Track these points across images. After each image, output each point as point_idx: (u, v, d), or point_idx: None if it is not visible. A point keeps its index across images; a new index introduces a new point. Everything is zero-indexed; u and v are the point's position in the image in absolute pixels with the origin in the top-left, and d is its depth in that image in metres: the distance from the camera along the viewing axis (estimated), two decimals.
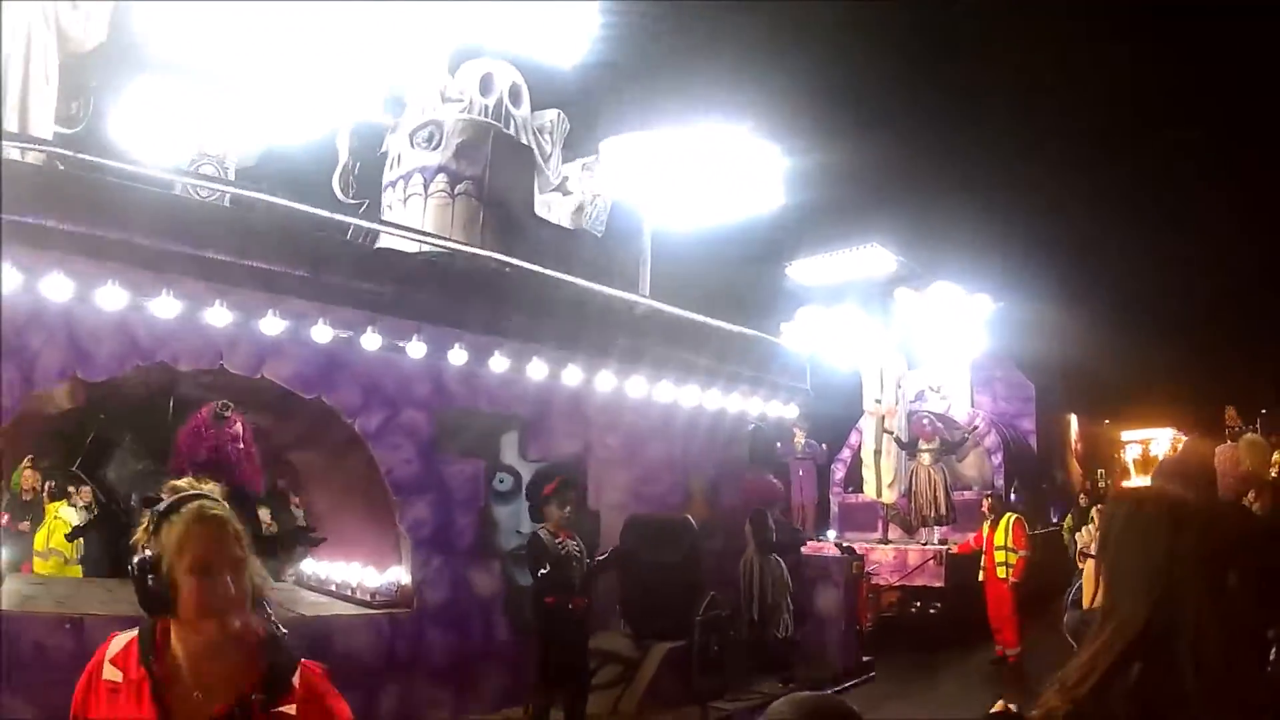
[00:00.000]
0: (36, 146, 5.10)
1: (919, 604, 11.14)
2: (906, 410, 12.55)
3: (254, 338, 5.44)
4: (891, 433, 12.07)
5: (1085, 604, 1.82)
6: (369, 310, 5.46)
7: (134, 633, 1.74)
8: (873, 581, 9.77)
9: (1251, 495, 4.16)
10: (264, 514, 9.13)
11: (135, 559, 1.69)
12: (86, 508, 7.47)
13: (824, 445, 12.88)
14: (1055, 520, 13.10)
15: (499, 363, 5.86)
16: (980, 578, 9.96)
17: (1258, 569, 2.78)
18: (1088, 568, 1.84)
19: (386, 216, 6.25)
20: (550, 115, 7.33)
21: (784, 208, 9.69)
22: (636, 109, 7.41)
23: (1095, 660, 1.46)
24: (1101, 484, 16.31)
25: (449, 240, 5.59)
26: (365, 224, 5.44)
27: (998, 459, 12.58)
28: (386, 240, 5.77)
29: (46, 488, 7.79)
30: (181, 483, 1.78)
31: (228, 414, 5.04)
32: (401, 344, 5.54)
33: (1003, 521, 9.94)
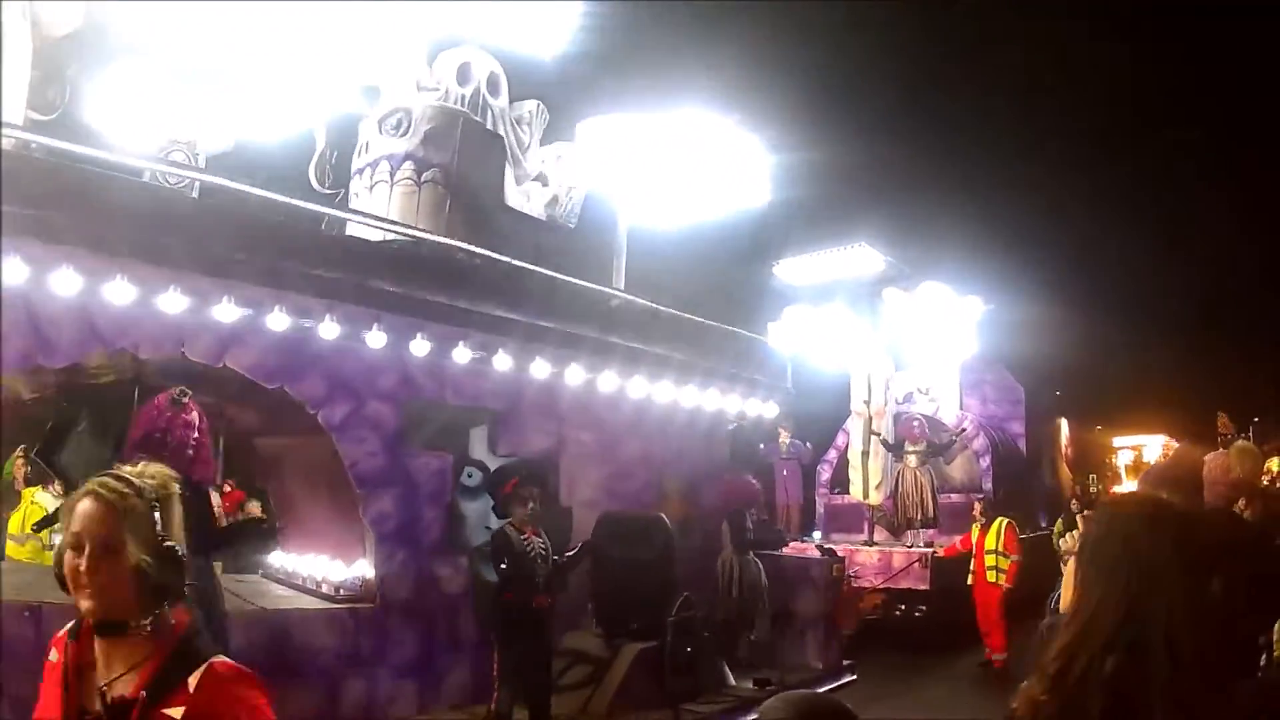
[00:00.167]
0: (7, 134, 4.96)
1: (904, 607, 11.04)
2: (894, 412, 12.43)
3: (215, 327, 5.33)
4: (879, 434, 11.95)
5: (1064, 607, 1.81)
6: (332, 299, 5.33)
7: None
8: (854, 584, 9.64)
9: (1242, 503, 4.02)
10: (254, 506, 9.00)
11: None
12: (63, 495, 7.39)
13: (808, 445, 12.76)
14: (1045, 525, 12.98)
15: (467, 355, 5.73)
16: (969, 581, 9.86)
17: (1247, 576, 2.66)
18: (1067, 571, 1.81)
19: (354, 205, 6.11)
20: (529, 106, 7.20)
21: (771, 206, 9.57)
22: (619, 101, 7.26)
23: (1073, 651, 1.48)
24: (1093, 489, 16.20)
25: (414, 229, 5.45)
26: (326, 210, 5.30)
27: (986, 462, 12.46)
28: (353, 229, 5.63)
29: (24, 473, 7.75)
30: (128, 468, 1.74)
31: (184, 400, 4.89)
32: (365, 334, 5.41)
33: (994, 526, 9.84)
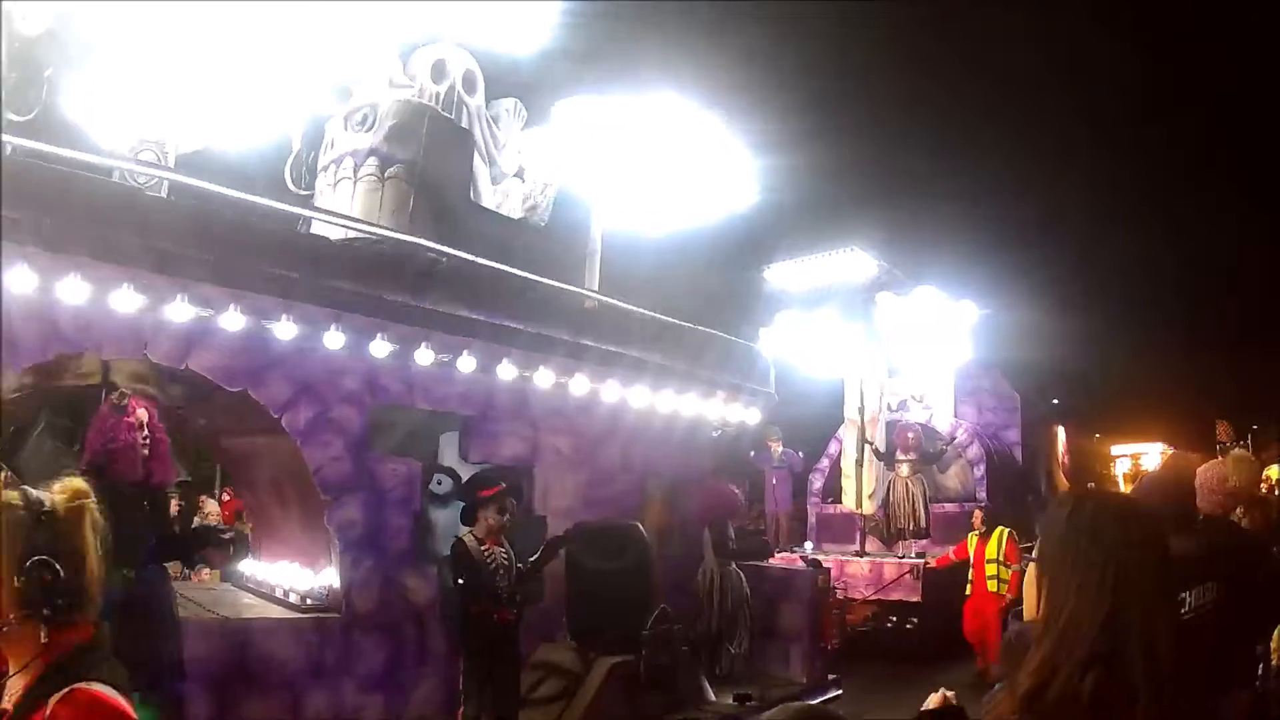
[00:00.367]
0: None
1: (895, 619, 10.83)
2: (887, 419, 12.24)
3: (178, 328, 5.20)
4: (871, 443, 11.76)
5: (1027, 614, 1.71)
6: (293, 300, 5.17)
7: None
8: (839, 596, 9.45)
9: (1240, 511, 4.02)
10: (211, 509, 8.85)
11: None
12: None
13: (800, 454, 12.56)
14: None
15: (435, 357, 5.56)
16: (968, 591, 9.68)
17: (1244, 584, 2.82)
18: (1029, 576, 1.70)
19: (319, 202, 5.95)
20: (507, 104, 7.05)
21: (760, 209, 9.42)
22: (600, 97, 7.06)
23: (1051, 665, 1.41)
24: None
25: (376, 225, 5.29)
26: (289, 209, 5.14)
27: (980, 471, 12.26)
28: (317, 227, 5.48)
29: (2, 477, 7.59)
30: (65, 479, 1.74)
31: (124, 403, 4.73)
32: (328, 336, 5.24)
33: (995, 535, 9.67)
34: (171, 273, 4.98)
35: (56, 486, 1.74)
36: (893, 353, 12.41)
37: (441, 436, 6.17)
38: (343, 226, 5.19)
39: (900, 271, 12.18)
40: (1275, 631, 3.36)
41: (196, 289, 4.95)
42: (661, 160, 6.99)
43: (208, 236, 4.96)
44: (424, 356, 5.22)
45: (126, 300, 4.91)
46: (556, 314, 5.94)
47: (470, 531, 5.08)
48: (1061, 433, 15.28)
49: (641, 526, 6.61)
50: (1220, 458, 5.20)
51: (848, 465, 12.34)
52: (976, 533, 9.83)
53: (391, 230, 5.26)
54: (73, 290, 4.78)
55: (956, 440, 12.49)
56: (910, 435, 11.41)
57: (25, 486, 1.74)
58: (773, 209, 12.18)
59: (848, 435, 12.45)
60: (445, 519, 6.00)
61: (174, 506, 9.85)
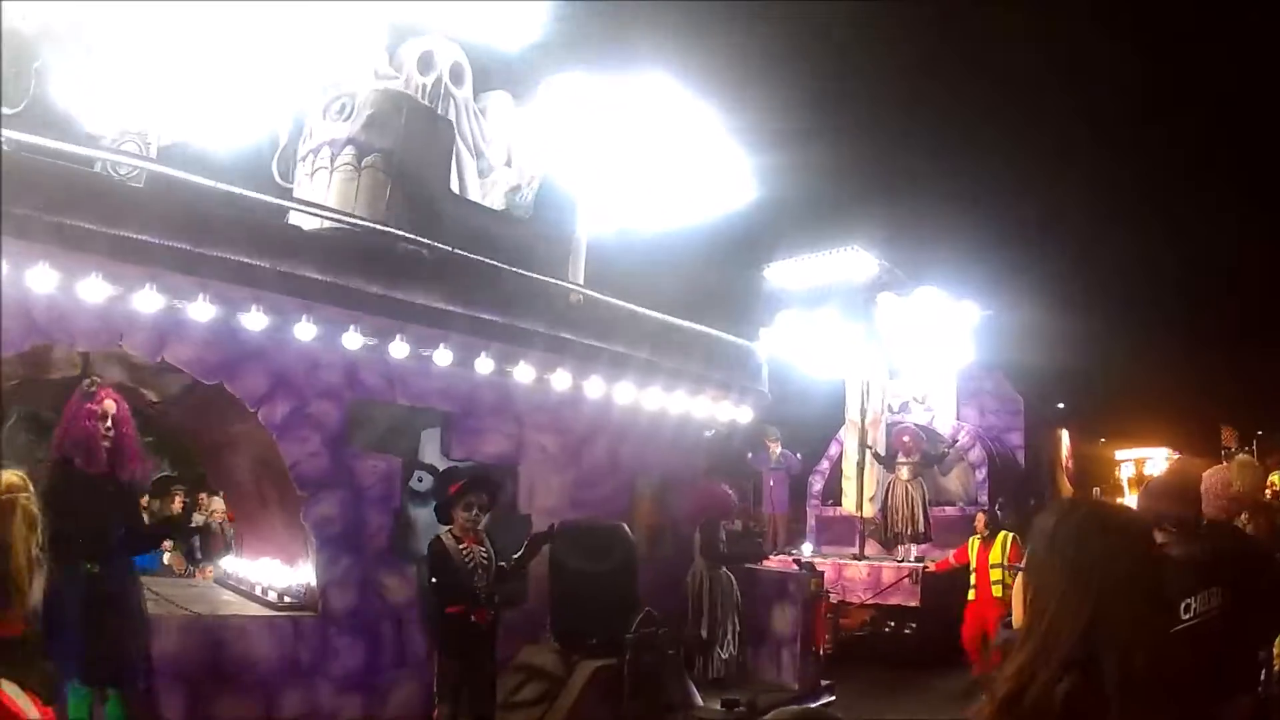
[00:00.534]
0: None
1: (893, 623, 10.66)
2: (888, 421, 12.07)
3: (154, 319, 5.10)
4: (870, 446, 11.59)
5: (1016, 622, 1.77)
6: (269, 291, 5.06)
7: None
8: (833, 600, 9.29)
9: (1245, 517, 3.96)
10: (176, 503, 8.73)
11: None
12: None
13: (799, 456, 12.37)
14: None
15: (415, 351, 5.44)
16: (970, 596, 9.50)
17: (1248, 590, 2.80)
18: (1017, 584, 1.62)
19: (297, 193, 5.84)
20: (496, 97, 6.92)
21: (761, 207, 9.27)
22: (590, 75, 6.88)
23: (1030, 670, 1.42)
24: None
25: (350, 215, 5.17)
26: (266, 199, 5.02)
27: (982, 474, 12.07)
28: (294, 218, 5.36)
29: None
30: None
31: (93, 390, 4.62)
32: (306, 329, 5.13)
33: (998, 539, 9.49)
34: (141, 262, 4.89)
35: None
36: (894, 354, 12.23)
37: (423, 432, 6.05)
38: (316, 216, 5.07)
39: (901, 271, 12.01)
40: (1278, 637, 3.32)
41: (166, 278, 4.85)
42: (652, 151, 6.83)
43: (179, 226, 4.86)
44: (399, 349, 5.10)
45: (96, 290, 4.83)
46: (538, 307, 5.82)
47: (449, 530, 4.95)
48: (1065, 436, 15.06)
49: (627, 527, 6.48)
50: (1225, 463, 5.10)
51: (848, 467, 12.17)
52: (979, 537, 9.64)
53: (366, 220, 5.14)
54: (44, 280, 4.70)
55: (958, 443, 12.30)
56: (907, 438, 11.21)
57: None
58: (773, 207, 12.03)
59: (848, 437, 12.28)
60: (426, 517, 5.86)
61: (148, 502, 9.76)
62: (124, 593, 4.55)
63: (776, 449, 12.08)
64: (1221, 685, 2.71)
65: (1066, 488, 14.53)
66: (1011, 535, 9.51)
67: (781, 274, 12.20)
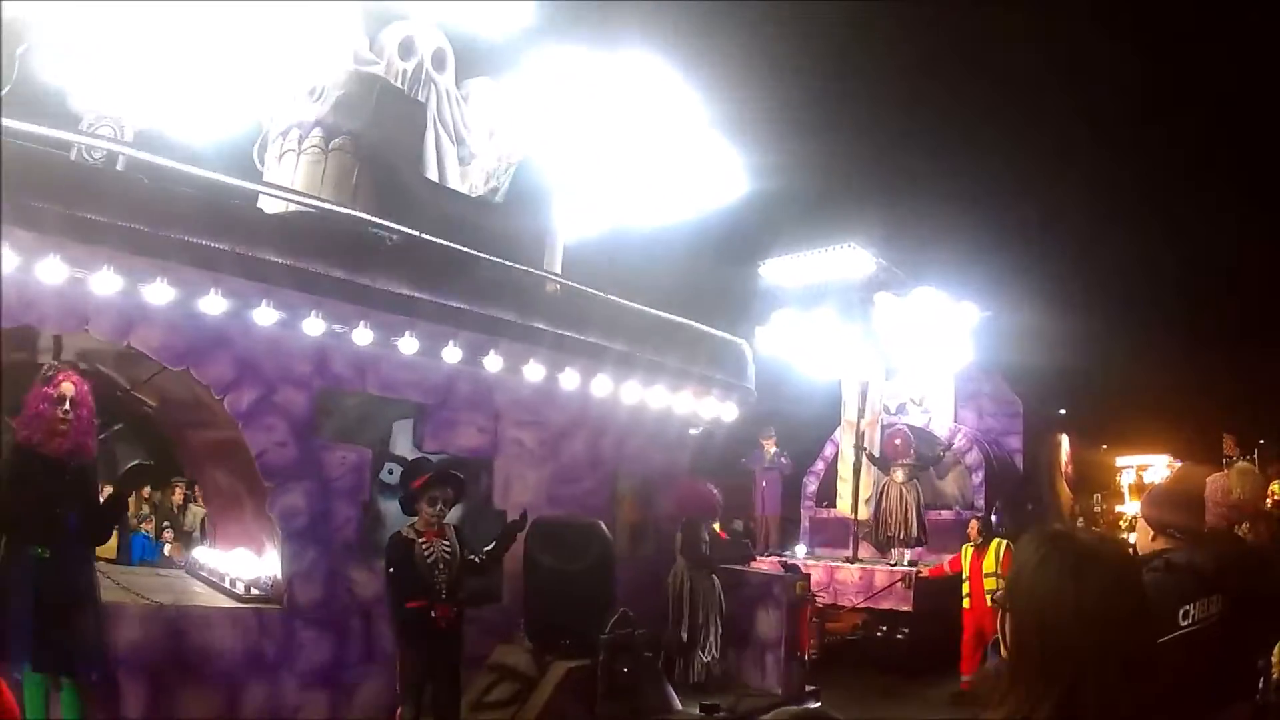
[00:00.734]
0: None
1: (885, 628, 10.45)
2: (884, 423, 11.88)
3: (121, 303, 4.99)
4: (865, 448, 11.40)
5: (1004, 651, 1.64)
6: (232, 276, 4.92)
7: None
8: (818, 603, 9.10)
9: (1245, 527, 3.92)
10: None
11: None
12: None
13: (786, 457, 12.13)
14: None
15: (387, 340, 5.28)
16: (965, 605, 9.31)
17: (1247, 598, 2.79)
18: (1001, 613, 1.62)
19: (266, 176, 5.69)
20: (478, 83, 6.77)
21: (755, 203, 9.09)
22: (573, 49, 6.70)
23: (1010, 706, 1.39)
24: (1097, 508, 15.56)
25: (314, 198, 5.01)
26: (233, 182, 4.87)
27: (978, 478, 11.86)
28: (263, 203, 5.22)
29: None
30: None
31: (51, 374, 4.50)
32: (271, 315, 4.98)
33: (992, 547, 9.30)
34: (115, 247, 4.77)
35: None
36: (891, 354, 12.04)
37: (395, 424, 5.89)
38: (278, 198, 4.92)
39: (899, 270, 11.81)
40: (1277, 646, 3.30)
41: (149, 267, 4.72)
42: (638, 141, 6.65)
43: (138, 208, 4.72)
44: (363, 335, 4.94)
45: (56, 272, 4.71)
46: (511, 296, 5.65)
47: (412, 524, 4.80)
48: (1065, 441, 14.84)
49: (608, 525, 6.31)
50: (1225, 471, 5.01)
51: (844, 469, 11.99)
52: (972, 544, 9.44)
53: (330, 203, 4.98)
54: (7, 263, 4.58)
55: (955, 446, 12.10)
56: (899, 440, 11.00)
57: None
58: (769, 203, 11.85)
59: (844, 438, 12.10)
60: (396, 510, 5.69)
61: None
62: (76, 578, 4.42)
63: (771, 447, 11.87)
64: (1219, 692, 2.71)
65: (1066, 493, 14.32)
66: (1006, 543, 9.31)
67: (777, 271, 12.01)
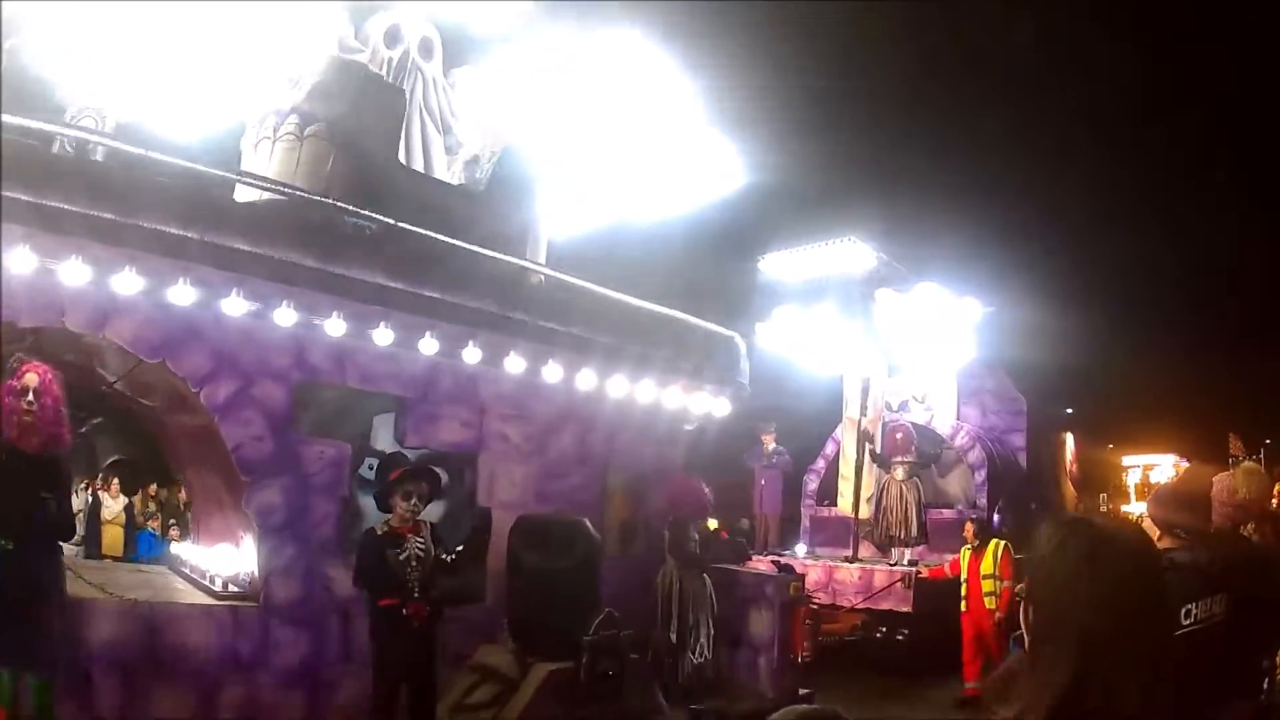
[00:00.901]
0: None
1: (885, 629, 10.27)
2: (886, 419, 11.69)
3: (96, 295, 4.89)
4: (870, 444, 11.21)
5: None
6: (205, 266, 4.80)
7: None
8: (819, 604, 8.93)
9: (1251, 527, 3.90)
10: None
11: None
12: None
13: (784, 455, 11.92)
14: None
15: (362, 332, 5.15)
16: (963, 608, 9.13)
17: (1252, 598, 2.76)
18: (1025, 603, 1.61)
19: (244, 165, 5.56)
20: (465, 72, 6.63)
21: (754, 200, 8.93)
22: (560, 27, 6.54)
23: (1030, 709, 1.39)
24: (1103, 508, 15.33)
25: (286, 185, 4.88)
26: (188, 165, 4.74)
27: (981, 476, 11.64)
28: (241, 192, 5.09)
29: None
30: None
31: (16, 367, 4.40)
32: (232, 303, 4.86)
33: (990, 548, 9.08)
34: (91, 238, 4.68)
35: None
36: (893, 351, 11.85)
37: (375, 418, 5.76)
38: (250, 186, 4.79)
39: (900, 265, 11.61)
40: None
41: (125, 258, 4.62)
42: (628, 131, 6.49)
43: (107, 197, 4.61)
44: (336, 326, 4.81)
45: (26, 262, 4.61)
46: (491, 286, 5.51)
47: (387, 520, 4.68)
48: (1070, 440, 14.60)
49: (597, 522, 6.18)
50: (1231, 471, 4.94)
51: (846, 467, 11.81)
52: (969, 547, 9.24)
53: (300, 190, 4.85)
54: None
55: (957, 444, 11.89)
56: (899, 435, 10.79)
57: None
58: (768, 198, 11.70)
59: (846, 436, 11.91)
60: (375, 506, 5.59)
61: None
62: (39, 573, 4.31)
63: (771, 443, 11.67)
64: (1221, 691, 2.71)
65: (1070, 492, 14.09)
66: (1004, 544, 9.12)
67: (777, 265, 11.83)
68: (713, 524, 9.91)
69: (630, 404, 6.53)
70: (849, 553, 11.14)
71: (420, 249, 5.07)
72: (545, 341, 5.77)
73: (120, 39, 5.66)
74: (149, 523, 11.41)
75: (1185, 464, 17.19)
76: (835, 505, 12.10)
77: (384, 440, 5.83)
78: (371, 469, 5.66)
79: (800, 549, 11.68)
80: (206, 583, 5.93)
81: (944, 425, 12.23)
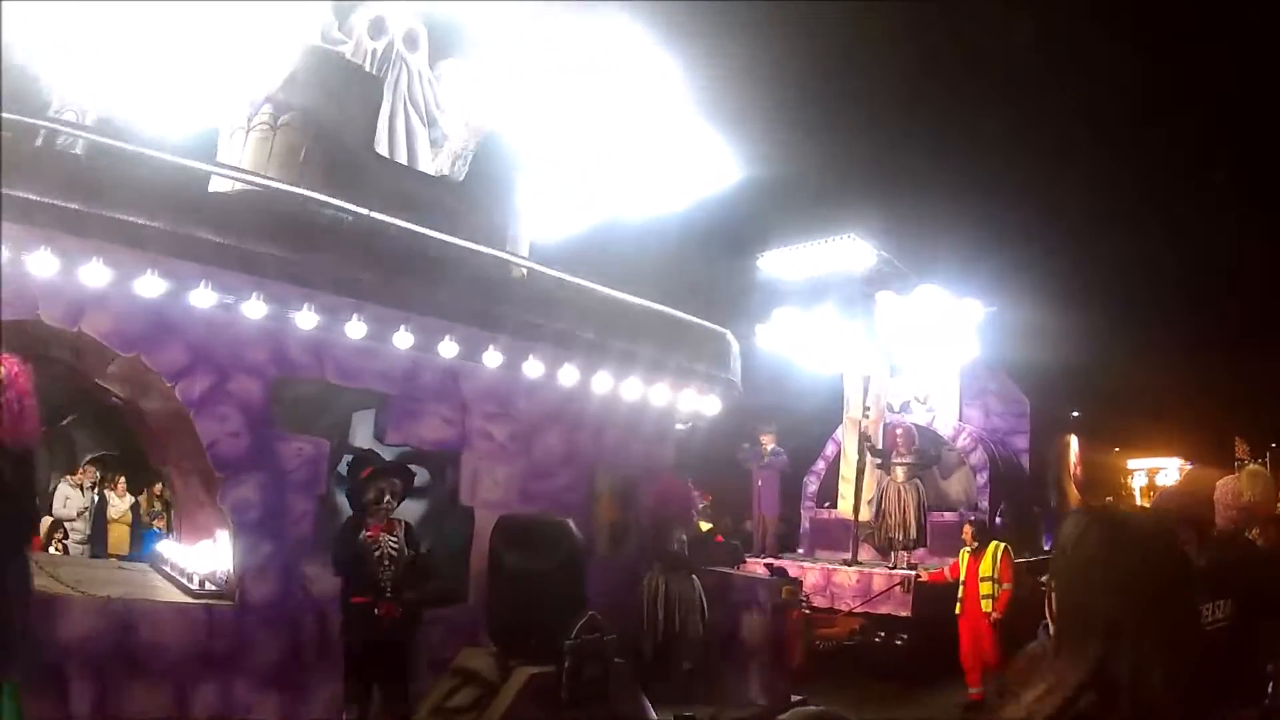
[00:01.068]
0: None
1: (883, 634, 10.12)
2: (886, 421, 11.54)
3: (71, 288, 4.81)
4: (870, 442, 11.06)
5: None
6: (192, 260, 4.71)
7: None
8: (814, 608, 8.78)
9: (1255, 530, 3.89)
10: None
11: None
12: None
13: (781, 455, 11.76)
14: (1048, 548, 11.96)
15: (339, 327, 5.04)
16: (958, 611, 8.98)
17: (1256, 601, 2.82)
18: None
19: (220, 156, 5.46)
20: (452, 65, 6.51)
21: (753, 197, 8.80)
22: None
23: (1052, 691, 1.40)
24: None
25: (257, 175, 4.77)
26: (159, 155, 4.64)
27: (983, 478, 11.48)
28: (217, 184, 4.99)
29: None
30: None
31: None
32: (200, 295, 4.77)
33: (989, 551, 8.94)
34: (62, 230, 4.59)
35: None
36: (894, 351, 11.69)
37: (355, 414, 5.65)
38: (220, 175, 4.68)
39: (901, 264, 11.44)
40: None
41: (101, 251, 4.53)
42: (616, 124, 6.36)
43: (77, 187, 4.51)
44: (307, 319, 4.71)
45: (23, 260, 4.55)
46: (475, 280, 5.39)
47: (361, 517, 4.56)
48: (1074, 442, 14.40)
49: (586, 523, 6.05)
50: (1236, 474, 4.86)
51: (846, 469, 11.66)
52: (968, 549, 9.08)
53: (274, 180, 4.74)
54: None
55: (959, 445, 11.71)
56: (900, 433, 10.62)
57: None
58: (767, 196, 11.56)
59: (847, 437, 11.77)
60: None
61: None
62: (3, 570, 4.20)
63: (769, 443, 11.50)
64: (1225, 695, 2.66)
65: (1074, 495, 13.89)
66: (1003, 546, 8.96)
67: (776, 264, 11.69)
68: (706, 526, 9.76)
69: (617, 401, 6.40)
70: (848, 555, 11.00)
71: (398, 240, 4.96)
72: (529, 337, 5.65)
73: (101, 33, 5.58)
74: (155, 521, 11.36)
75: (1191, 467, 16.98)
76: (835, 507, 11.96)
77: (363, 437, 5.73)
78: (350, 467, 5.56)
79: (800, 552, 11.54)
80: (185, 580, 5.84)
81: (946, 426, 12.07)
